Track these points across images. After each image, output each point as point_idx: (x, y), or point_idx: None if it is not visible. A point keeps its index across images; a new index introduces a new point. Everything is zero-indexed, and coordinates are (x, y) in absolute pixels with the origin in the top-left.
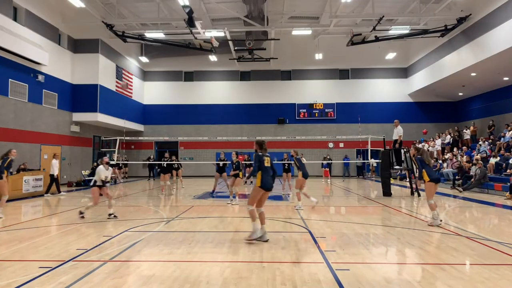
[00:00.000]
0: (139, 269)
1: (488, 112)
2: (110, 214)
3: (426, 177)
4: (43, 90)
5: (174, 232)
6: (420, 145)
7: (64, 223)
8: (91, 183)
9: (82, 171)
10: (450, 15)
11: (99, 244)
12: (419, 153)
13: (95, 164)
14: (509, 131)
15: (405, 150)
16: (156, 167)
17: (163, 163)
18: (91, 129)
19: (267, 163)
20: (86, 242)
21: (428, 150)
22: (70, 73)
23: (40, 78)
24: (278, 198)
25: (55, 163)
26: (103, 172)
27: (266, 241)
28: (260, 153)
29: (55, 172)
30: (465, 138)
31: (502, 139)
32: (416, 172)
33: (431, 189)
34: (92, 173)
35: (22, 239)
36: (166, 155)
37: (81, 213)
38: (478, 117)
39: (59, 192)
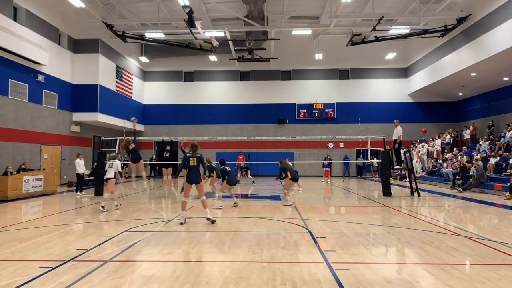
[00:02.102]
0: (139, 269)
1: (488, 112)
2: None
3: (289, 176)
4: (43, 90)
5: (174, 232)
6: (420, 145)
7: (64, 223)
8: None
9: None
10: (450, 15)
11: (99, 244)
12: (282, 164)
13: (105, 162)
14: (509, 131)
15: (405, 150)
16: (157, 167)
17: (165, 155)
18: (91, 129)
19: (192, 163)
20: (86, 242)
21: (428, 150)
22: (70, 73)
23: (40, 78)
24: (279, 198)
25: (79, 162)
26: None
27: (182, 224)
28: (188, 154)
29: (80, 171)
30: (465, 138)
31: (502, 139)
32: (281, 177)
33: (289, 184)
34: (93, 173)
35: (22, 239)
36: (168, 148)
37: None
38: (478, 117)
39: (80, 191)
